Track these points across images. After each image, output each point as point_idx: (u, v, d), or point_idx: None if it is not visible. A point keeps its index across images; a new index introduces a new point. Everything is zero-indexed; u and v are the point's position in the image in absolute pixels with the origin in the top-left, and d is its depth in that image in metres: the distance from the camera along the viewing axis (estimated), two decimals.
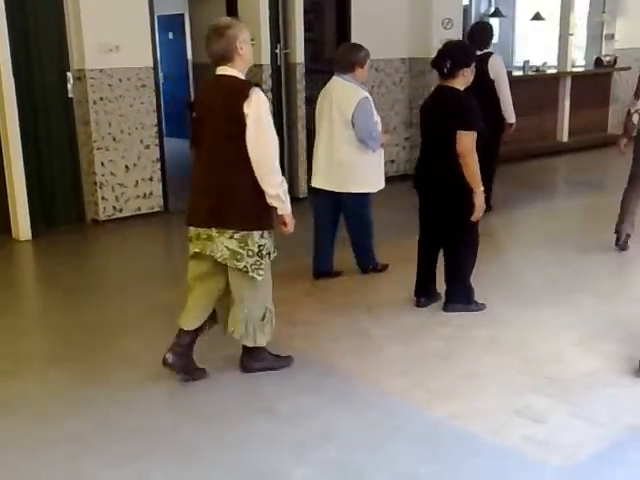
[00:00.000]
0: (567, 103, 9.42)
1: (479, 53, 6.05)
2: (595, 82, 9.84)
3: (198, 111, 3.15)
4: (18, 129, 5.54)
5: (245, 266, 3.09)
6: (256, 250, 3.10)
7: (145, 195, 6.34)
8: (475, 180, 3.72)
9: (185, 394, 3.19)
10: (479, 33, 6.14)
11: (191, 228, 3.18)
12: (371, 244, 4.74)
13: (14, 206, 5.64)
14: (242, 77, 3.10)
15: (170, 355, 3.22)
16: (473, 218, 3.79)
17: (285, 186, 3.12)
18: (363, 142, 4.36)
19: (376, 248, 4.78)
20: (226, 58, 3.03)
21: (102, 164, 6.07)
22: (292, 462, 2.65)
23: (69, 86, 5.92)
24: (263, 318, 3.24)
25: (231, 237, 3.07)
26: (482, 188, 3.77)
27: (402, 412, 3.00)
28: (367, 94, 4.40)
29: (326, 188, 4.52)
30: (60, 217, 6.08)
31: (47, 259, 5.45)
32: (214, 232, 3.08)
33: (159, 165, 6.40)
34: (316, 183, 4.57)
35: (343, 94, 4.36)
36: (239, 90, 3.00)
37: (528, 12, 11.19)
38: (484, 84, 5.65)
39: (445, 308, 4.05)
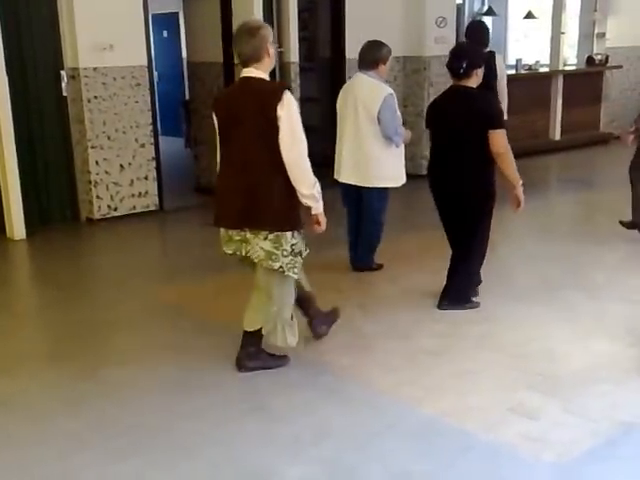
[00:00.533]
0: (559, 101, 9.46)
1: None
2: (587, 80, 9.88)
3: (226, 113, 3.13)
4: (12, 128, 5.53)
5: (281, 266, 3.12)
6: (289, 250, 3.12)
7: (140, 194, 6.33)
8: (514, 176, 3.78)
9: (180, 392, 3.19)
10: (476, 31, 6.18)
11: (221, 230, 3.19)
12: (376, 245, 4.77)
13: (8, 205, 5.63)
14: (268, 79, 3.16)
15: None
16: (521, 209, 3.85)
17: (318, 186, 3.14)
18: (389, 138, 4.47)
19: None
20: (255, 58, 3.06)
21: (97, 163, 6.06)
22: (286, 460, 2.66)
23: (63, 85, 5.91)
24: (292, 318, 3.29)
25: (265, 238, 3.09)
26: (521, 181, 3.80)
27: (395, 410, 3.00)
28: (391, 90, 4.52)
29: (352, 183, 4.61)
30: (55, 216, 6.08)
31: (42, 258, 5.45)
32: (248, 234, 3.10)
33: (154, 164, 6.40)
34: (343, 178, 4.65)
35: (369, 91, 4.46)
36: (272, 92, 3.04)
37: (520, 11, 11.24)
38: (491, 82, 5.76)
39: (441, 305, 4.05)
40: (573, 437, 2.75)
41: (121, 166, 6.19)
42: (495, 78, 5.75)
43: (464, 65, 3.79)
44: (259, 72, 3.08)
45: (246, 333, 3.31)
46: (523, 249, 5.24)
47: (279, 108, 2.98)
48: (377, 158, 4.50)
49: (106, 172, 6.12)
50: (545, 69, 9.78)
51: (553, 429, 2.81)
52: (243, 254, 3.15)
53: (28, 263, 5.51)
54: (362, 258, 4.76)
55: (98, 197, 6.11)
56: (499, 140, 3.70)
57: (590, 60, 9.95)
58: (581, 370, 3.31)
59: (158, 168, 6.45)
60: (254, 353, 3.33)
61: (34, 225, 5.79)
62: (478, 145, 3.72)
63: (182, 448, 2.74)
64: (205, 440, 2.79)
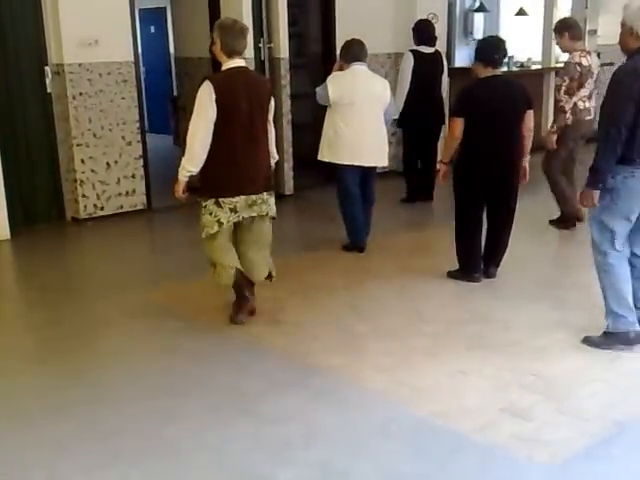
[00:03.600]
0: (551, 98, 9.41)
1: (432, 51, 6.37)
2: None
3: (232, 97, 3.59)
4: None
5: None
6: None
7: (127, 193, 6.24)
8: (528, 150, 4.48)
9: (167, 395, 3.14)
10: (425, 30, 6.45)
11: (242, 197, 3.69)
12: None
13: None
14: None
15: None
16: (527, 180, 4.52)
17: None
18: (389, 120, 5.17)
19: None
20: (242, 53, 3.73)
21: (82, 161, 5.97)
22: (276, 463, 2.62)
23: (47, 81, 5.81)
24: None
25: (271, 196, 3.85)
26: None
27: (387, 410, 2.98)
28: None
29: (373, 164, 5.03)
30: (39, 216, 5.98)
31: (26, 258, 5.36)
32: (265, 195, 3.78)
33: (141, 162, 6.30)
34: (366, 162, 4.99)
35: (378, 81, 5.07)
36: (266, 81, 4.03)
37: (512, 7, 11.19)
38: (439, 78, 6.49)
39: (493, 274, 4.47)
40: (566, 437, 2.73)
41: (107, 164, 6.10)
42: (442, 73, 6.49)
43: (503, 56, 4.37)
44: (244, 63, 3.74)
45: (253, 284, 3.90)
46: (514, 248, 5.21)
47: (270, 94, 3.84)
48: (385, 139, 5.10)
49: (92, 170, 6.03)
50: (537, 66, 9.75)
51: (546, 429, 2.79)
52: (263, 214, 3.79)
53: (12, 264, 5.42)
54: (368, 232, 5.16)
55: (84, 196, 6.01)
56: (532, 119, 4.38)
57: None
58: (573, 370, 3.29)
59: (146, 166, 6.36)
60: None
61: (19, 225, 5.69)
62: (519, 123, 4.32)
63: (170, 453, 2.69)
64: (194, 444, 2.74)
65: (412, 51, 6.37)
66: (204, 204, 3.73)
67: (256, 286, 4.01)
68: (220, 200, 3.67)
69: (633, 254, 3.48)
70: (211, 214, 3.69)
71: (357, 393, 3.12)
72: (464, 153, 4.33)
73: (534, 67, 9.71)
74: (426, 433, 2.79)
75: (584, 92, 5.38)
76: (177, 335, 3.75)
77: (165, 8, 9.91)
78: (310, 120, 7.48)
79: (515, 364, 3.33)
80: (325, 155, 5.03)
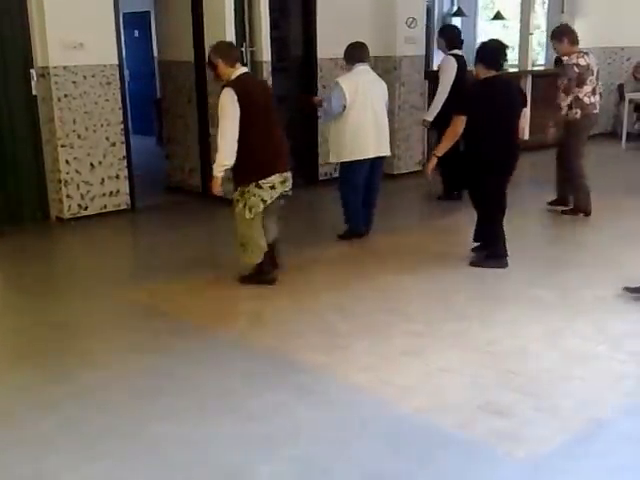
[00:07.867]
0: (528, 101, 9.54)
1: (460, 53, 6.36)
2: (555, 81, 9.98)
3: (249, 95, 4.19)
4: None
5: None
6: None
7: (111, 193, 6.26)
8: None
9: (151, 394, 3.15)
10: (456, 35, 6.56)
11: (276, 175, 4.27)
12: None
13: None
14: None
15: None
16: None
17: None
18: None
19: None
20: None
21: (67, 162, 5.98)
22: (259, 460, 2.64)
23: (33, 83, 5.82)
24: None
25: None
26: None
27: (369, 408, 3.01)
28: None
29: (382, 154, 5.40)
30: (24, 215, 5.99)
31: (10, 258, 5.35)
32: (289, 174, 4.39)
33: (125, 163, 6.33)
34: (382, 152, 5.38)
35: (379, 79, 5.49)
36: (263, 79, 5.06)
37: (489, 12, 11.36)
38: (465, 83, 6.44)
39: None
40: (544, 434, 2.78)
41: (92, 165, 6.12)
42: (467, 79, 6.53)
43: (505, 59, 4.65)
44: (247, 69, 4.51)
45: (271, 246, 4.45)
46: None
47: None
48: (388, 131, 5.51)
49: (76, 171, 6.04)
50: (514, 69, 9.88)
51: (524, 426, 2.84)
52: (287, 189, 4.39)
53: None
54: (372, 220, 5.49)
55: (68, 196, 6.02)
56: (526, 115, 4.68)
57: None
58: (552, 368, 3.35)
59: (129, 167, 6.38)
60: None
61: (3, 224, 5.70)
62: (518, 120, 4.64)
63: (155, 450, 2.72)
64: (177, 442, 2.77)
65: (452, 55, 6.48)
66: (247, 189, 4.25)
67: (241, 286, 4.20)
68: (260, 182, 4.22)
69: None
70: (255, 195, 4.24)
71: (340, 391, 3.15)
72: (479, 152, 4.58)
73: (511, 70, 9.84)
74: (407, 430, 2.82)
75: (587, 88, 5.85)
76: (161, 335, 3.76)
77: (149, 12, 9.90)
78: (292, 122, 7.52)
79: (494, 362, 3.39)
80: (346, 156, 5.26)
